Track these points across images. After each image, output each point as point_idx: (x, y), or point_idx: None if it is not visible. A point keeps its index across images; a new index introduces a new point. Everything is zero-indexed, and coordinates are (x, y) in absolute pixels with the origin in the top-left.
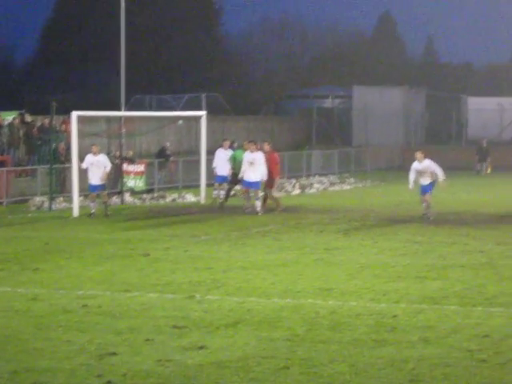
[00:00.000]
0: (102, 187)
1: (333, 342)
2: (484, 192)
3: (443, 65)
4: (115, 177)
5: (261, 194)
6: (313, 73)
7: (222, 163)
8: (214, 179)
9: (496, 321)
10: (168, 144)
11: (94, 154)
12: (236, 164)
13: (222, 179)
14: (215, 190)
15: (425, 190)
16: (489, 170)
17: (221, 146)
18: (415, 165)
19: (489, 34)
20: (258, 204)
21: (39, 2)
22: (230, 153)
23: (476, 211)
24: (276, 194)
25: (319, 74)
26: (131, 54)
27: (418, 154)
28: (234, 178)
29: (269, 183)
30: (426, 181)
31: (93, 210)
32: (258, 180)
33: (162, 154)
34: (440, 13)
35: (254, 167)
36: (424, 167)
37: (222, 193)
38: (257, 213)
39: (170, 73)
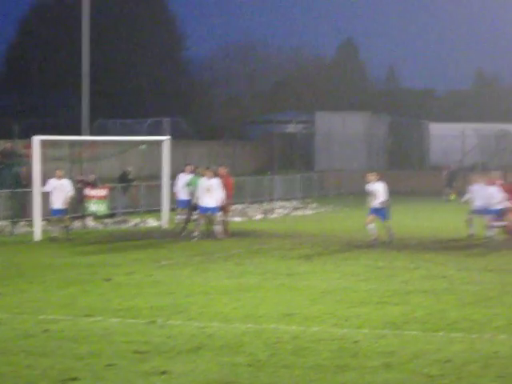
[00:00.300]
0: (64, 211)
1: (295, 367)
2: (446, 218)
3: (405, 91)
4: (77, 201)
5: (219, 219)
6: (275, 98)
7: (184, 188)
8: (176, 204)
9: (457, 346)
10: (130, 168)
11: (58, 178)
12: (191, 190)
13: (185, 204)
14: (178, 214)
15: (375, 212)
16: (452, 197)
17: (183, 170)
18: (367, 186)
19: (450, 60)
20: (219, 229)
21: (2, 26)
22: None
23: (438, 236)
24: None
25: (282, 99)
26: (94, 79)
27: (369, 176)
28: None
29: (224, 208)
30: (376, 204)
31: (55, 234)
32: (215, 205)
33: (124, 178)
34: (402, 39)
35: (211, 193)
36: (374, 189)
37: (178, 217)
38: (217, 237)
39: (133, 97)
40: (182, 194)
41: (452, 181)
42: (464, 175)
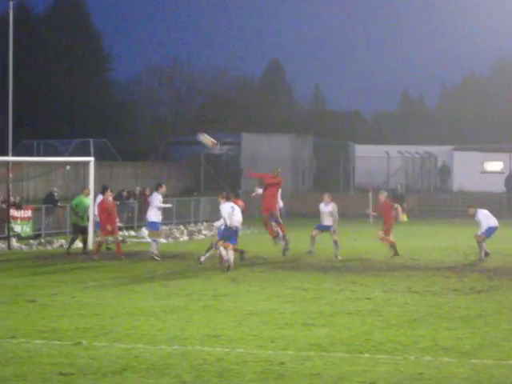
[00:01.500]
0: None
1: None
2: (371, 239)
3: (331, 112)
4: (1, 222)
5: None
6: (201, 119)
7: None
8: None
9: (382, 368)
10: (55, 189)
11: None
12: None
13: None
14: (97, 236)
15: (322, 227)
16: (405, 218)
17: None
18: (321, 206)
19: (377, 83)
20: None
21: None
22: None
23: (363, 258)
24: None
25: (207, 120)
26: (18, 99)
27: (326, 197)
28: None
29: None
30: (328, 221)
31: None
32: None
33: (49, 199)
34: (328, 60)
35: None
36: (329, 210)
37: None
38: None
39: (58, 118)
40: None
41: (401, 202)
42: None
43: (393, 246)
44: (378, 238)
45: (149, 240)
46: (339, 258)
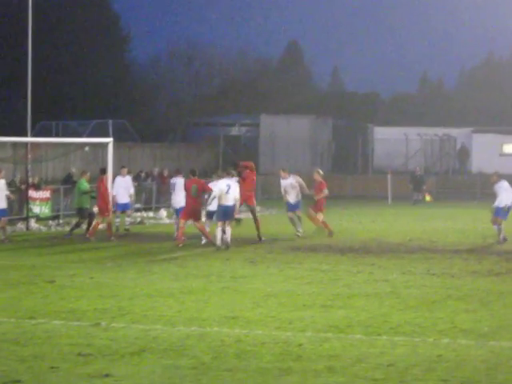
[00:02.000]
0: (6, 212)
1: (238, 370)
2: (390, 221)
3: (350, 94)
4: (20, 202)
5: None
6: (220, 100)
7: (121, 191)
8: (114, 207)
9: (400, 350)
10: (74, 170)
11: (0, 178)
12: (77, 194)
13: (123, 207)
14: (117, 217)
15: (291, 207)
16: (428, 198)
17: (119, 173)
18: (281, 182)
19: (395, 64)
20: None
21: None
22: (128, 179)
23: (381, 240)
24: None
25: (226, 101)
26: (37, 80)
27: (281, 172)
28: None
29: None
30: (291, 199)
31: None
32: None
33: (68, 180)
34: (347, 42)
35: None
36: (287, 184)
37: (128, 220)
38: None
39: (77, 99)
40: (121, 197)
41: (420, 184)
42: (404, 179)
43: (324, 225)
44: (308, 217)
45: (168, 221)
46: (299, 234)
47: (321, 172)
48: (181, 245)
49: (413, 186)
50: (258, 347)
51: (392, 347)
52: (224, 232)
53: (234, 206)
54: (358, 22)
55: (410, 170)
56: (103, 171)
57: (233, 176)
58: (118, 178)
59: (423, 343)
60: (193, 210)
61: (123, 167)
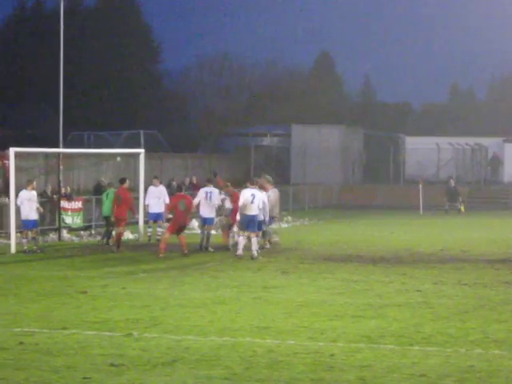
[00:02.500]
0: (37, 223)
1: (271, 380)
2: (421, 231)
3: (381, 104)
4: (52, 213)
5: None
6: (251, 110)
7: (154, 201)
8: (147, 216)
9: (432, 360)
10: (103, 179)
11: (31, 189)
12: (107, 203)
13: (156, 216)
14: (149, 227)
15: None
16: (462, 209)
17: (152, 183)
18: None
19: (426, 74)
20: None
21: None
22: (162, 189)
23: (413, 250)
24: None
25: (257, 111)
26: (69, 90)
27: (267, 183)
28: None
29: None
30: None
31: (26, 247)
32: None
33: (98, 189)
34: (378, 52)
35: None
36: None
37: (159, 230)
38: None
39: (108, 109)
40: (153, 207)
41: (455, 196)
42: (436, 189)
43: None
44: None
45: (200, 231)
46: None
47: (270, 179)
48: (161, 255)
49: (447, 197)
50: (290, 357)
51: (424, 357)
52: (249, 241)
53: (258, 215)
54: (389, 31)
55: (443, 181)
56: (122, 181)
57: (254, 186)
58: (151, 188)
59: (455, 353)
60: (181, 225)
61: (156, 177)
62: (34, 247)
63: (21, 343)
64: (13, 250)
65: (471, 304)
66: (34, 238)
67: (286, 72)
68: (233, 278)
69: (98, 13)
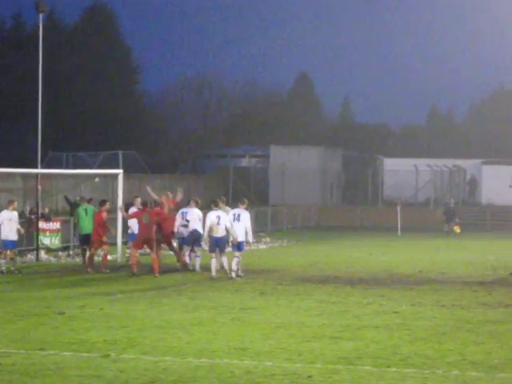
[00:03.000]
0: (16, 243)
1: None
2: (400, 252)
3: (359, 125)
4: (30, 233)
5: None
6: (230, 132)
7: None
8: (128, 238)
9: (409, 382)
10: (78, 198)
11: (12, 209)
12: (87, 219)
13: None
14: (129, 248)
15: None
16: (458, 230)
17: (132, 203)
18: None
19: (405, 96)
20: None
21: None
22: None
23: (391, 271)
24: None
25: (236, 132)
26: (47, 111)
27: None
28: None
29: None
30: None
31: (3, 268)
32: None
33: (74, 208)
34: (357, 73)
35: None
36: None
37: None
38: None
39: (87, 130)
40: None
41: (453, 216)
42: (414, 211)
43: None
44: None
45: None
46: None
47: (139, 200)
48: (135, 270)
49: (446, 217)
50: (268, 379)
51: (401, 379)
52: (217, 263)
53: (226, 237)
54: (367, 53)
55: (421, 202)
56: (103, 203)
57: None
58: (133, 208)
59: (433, 375)
60: (146, 239)
61: (137, 197)
62: (12, 268)
63: None
64: None
65: (449, 325)
66: (12, 259)
67: (265, 93)
68: (211, 298)
69: (78, 32)
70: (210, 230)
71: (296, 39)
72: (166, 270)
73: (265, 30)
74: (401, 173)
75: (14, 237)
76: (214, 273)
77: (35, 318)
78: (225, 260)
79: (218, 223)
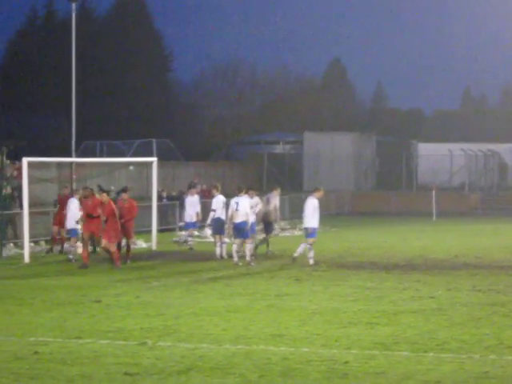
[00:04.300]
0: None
1: None
2: (435, 237)
3: (393, 110)
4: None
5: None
6: (263, 118)
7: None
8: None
9: (447, 367)
10: (112, 187)
11: (77, 197)
12: None
13: (191, 225)
14: (189, 236)
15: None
16: None
17: (188, 192)
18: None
19: (438, 80)
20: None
21: None
22: (197, 199)
23: (426, 257)
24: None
25: (270, 119)
26: (81, 100)
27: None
28: None
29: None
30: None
31: (71, 256)
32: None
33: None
34: (390, 58)
35: None
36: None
37: (190, 239)
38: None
39: (121, 118)
40: (189, 216)
41: None
42: (448, 196)
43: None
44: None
45: (212, 240)
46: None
47: (104, 195)
48: (118, 263)
49: None
50: (304, 365)
51: (439, 364)
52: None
53: (246, 222)
54: (400, 37)
55: (456, 187)
56: (123, 190)
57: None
58: (188, 197)
59: (470, 360)
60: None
61: (194, 187)
62: (71, 256)
63: (35, 353)
64: (26, 259)
65: (485, 310)
66: (72, 247)
67: (298, 79)
68: (246, 286)
69: (110, 22)
70: (231, 216)
71: (328, 24)
72: (202, 258)
73: (297, 16)
74: (435, 157)
75: (73, 225)
76: (235, 258)
77: (72, 306)
78: (248, 247)
79: (237, 209)
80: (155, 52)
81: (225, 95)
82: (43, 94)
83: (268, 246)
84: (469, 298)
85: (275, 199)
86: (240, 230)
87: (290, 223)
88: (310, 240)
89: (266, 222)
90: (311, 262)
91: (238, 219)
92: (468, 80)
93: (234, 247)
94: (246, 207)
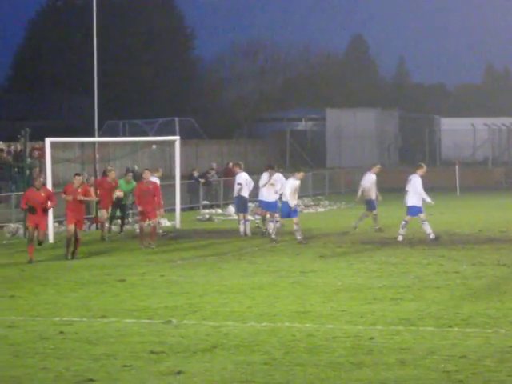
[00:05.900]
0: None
1: (310, 365)
2: (459, 212)
3: (416, 86)
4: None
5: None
6: (285, 95)
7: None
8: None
9: (472, 341)
10: (136, 167)
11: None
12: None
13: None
14: (256, 214)
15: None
16: None
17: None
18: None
19: (461, 55)
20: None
21: (10, 28)
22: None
23: (451, 232)
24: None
25: (292, 96)
26: (103, 79)
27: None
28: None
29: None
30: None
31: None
32: None
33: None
34: (412, 34)
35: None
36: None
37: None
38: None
39: (143, 97)
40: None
41: None
42: (472, 170)
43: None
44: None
45: (236, 217)
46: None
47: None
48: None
49: None
50: (330, 341)
51: (464, 339)
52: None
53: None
54: (422, 13)
55: (479, 161)
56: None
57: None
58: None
59: (495, 334)
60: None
61: (271, 167)
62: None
63: (61, 332)
64: (51, 239)
65: (510, 285)
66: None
67: (320, 55)
68: (270, 263)
69: (132, 1)
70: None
71: (350, 1)
72: (226, 236)
73: None
74: (458, 132)
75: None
76: (273, 235)
77: (96, 285)
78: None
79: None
80: (177, 30)
81: (247, 73)
82: (65, 74)
83: (375, 221)
84: (493, 272)
85: (371, 177)
86: (272, 207)
87: (313, 200)
88: (407, 218)
89: (367, 199)
90: (400, 238)
91: (264, 196)
92: (491, 54)
93: (277, 225)
94: (277, 185)
